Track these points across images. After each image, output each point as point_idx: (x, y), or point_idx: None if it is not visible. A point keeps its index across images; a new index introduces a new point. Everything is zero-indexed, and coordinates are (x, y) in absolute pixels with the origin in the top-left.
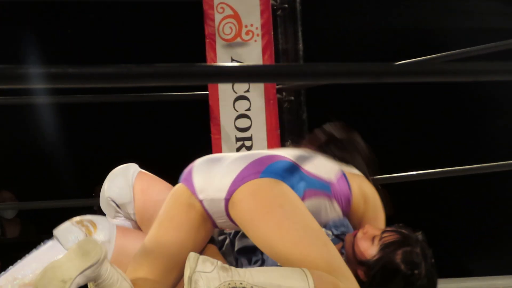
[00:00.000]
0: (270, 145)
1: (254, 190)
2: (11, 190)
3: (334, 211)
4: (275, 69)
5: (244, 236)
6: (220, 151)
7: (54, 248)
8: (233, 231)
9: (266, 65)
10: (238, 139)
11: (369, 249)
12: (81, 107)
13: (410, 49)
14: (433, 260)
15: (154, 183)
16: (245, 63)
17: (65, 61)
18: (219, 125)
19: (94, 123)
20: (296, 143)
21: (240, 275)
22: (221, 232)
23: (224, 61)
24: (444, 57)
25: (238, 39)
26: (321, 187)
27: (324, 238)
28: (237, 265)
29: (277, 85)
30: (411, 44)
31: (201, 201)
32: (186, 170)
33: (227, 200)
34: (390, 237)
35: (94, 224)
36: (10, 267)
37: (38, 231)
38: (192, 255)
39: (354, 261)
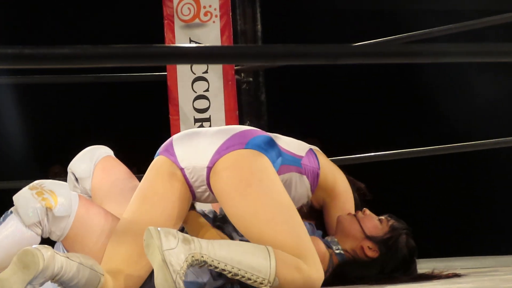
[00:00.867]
0: None
1: (238, 160)
2: None
3: (303, 186)
4: (234, 50)
5: None
6: (178, 131)
7: (13, 226)
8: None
9: (225, 46)
10: (196, 120)
11: (379, 226)
12: (38, 87)
13: (370, 31)
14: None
15: (117, 166)
16: (204, 44)
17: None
18: (177, 106)
19: (51, 104)
20: (253, 124)
21: (202, 247)
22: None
23: (182, 42)
24: (403, 39)
25: (197, 20)
26: (293, 162)
27: (297, 218)
28: (238, 234)
29: (236, 66)
30: (371, 26)
31: (182, 169)
32: (165, 144)
33: (209, 169)
34: (395, 222)
35: (54, 195)
36: None
37: None
38: (152, 229)
39: (360, 236)
